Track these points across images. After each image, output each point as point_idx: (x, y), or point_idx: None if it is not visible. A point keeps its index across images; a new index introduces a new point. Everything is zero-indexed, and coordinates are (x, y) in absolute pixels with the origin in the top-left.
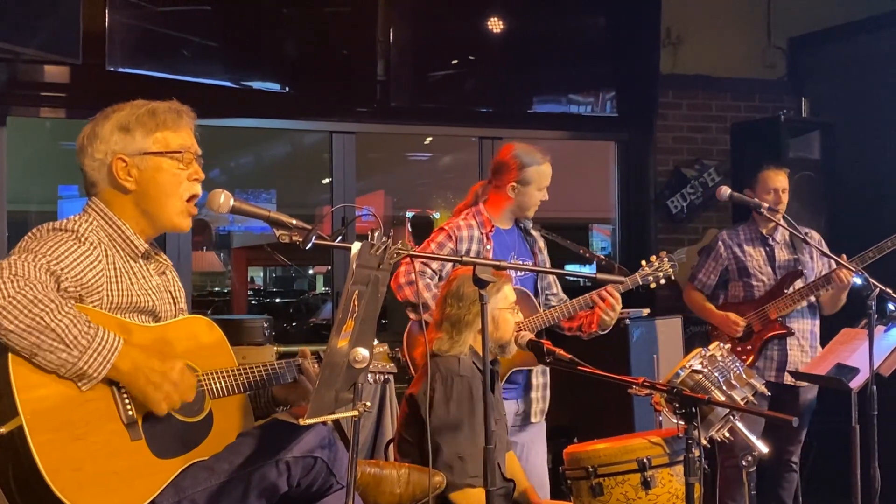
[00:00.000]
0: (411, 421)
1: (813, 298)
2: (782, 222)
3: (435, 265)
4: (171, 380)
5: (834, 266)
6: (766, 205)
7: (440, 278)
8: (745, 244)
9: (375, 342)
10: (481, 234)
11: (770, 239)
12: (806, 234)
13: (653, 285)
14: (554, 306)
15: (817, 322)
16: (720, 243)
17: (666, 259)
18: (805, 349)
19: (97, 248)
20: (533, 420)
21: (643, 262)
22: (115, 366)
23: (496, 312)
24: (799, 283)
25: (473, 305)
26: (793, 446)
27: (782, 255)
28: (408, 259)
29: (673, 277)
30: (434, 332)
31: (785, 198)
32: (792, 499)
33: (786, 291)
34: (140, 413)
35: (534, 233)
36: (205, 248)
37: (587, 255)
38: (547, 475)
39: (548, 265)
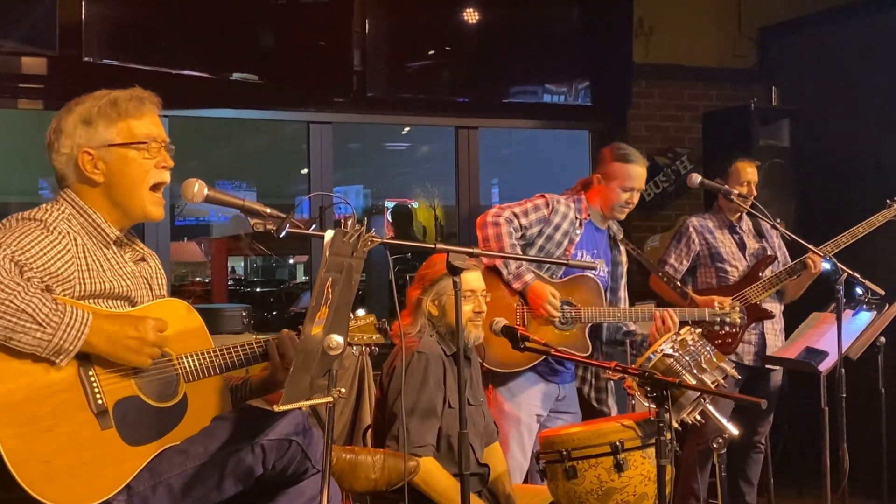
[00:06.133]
0: (379, 400)
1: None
2: (747, 208)
3: (524, 220)
4: (148, 342)
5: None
6: (736, 191)
7: (523, 236)
8: (715, 231)
9: (363, 312)
10: (576, 217)
11: (737, 227)
12: (778, 221)
13: (716, 327)
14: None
15: (782, 307)
16: (691, 229)
17: (737, 309)
18: (777, 333)
19: (66, 237)
20: (571, 410)
21: (716, 302)
22: (89, 340)
23: (444, 298)
24: (769, 270)
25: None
26: (762, 427)
27: (751, 242)
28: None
29: (739, 324)
30: (411, 315)
31: (754, 190)
32: (758, 477)
33: (761, 276)
34: (111, 401)
35: (621, 245)
36: (180, 238)
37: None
38: None
39: (623, 280)
